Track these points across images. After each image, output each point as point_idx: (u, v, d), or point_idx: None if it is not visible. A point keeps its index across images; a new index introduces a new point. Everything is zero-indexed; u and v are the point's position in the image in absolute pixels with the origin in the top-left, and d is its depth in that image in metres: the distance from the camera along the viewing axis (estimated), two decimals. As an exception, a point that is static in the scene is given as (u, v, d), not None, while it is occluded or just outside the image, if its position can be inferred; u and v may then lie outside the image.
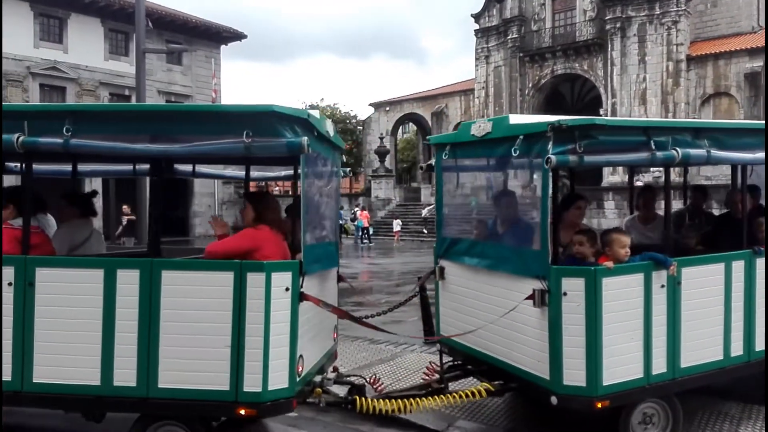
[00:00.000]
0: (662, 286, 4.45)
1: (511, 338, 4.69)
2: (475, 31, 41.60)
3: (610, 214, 30.03)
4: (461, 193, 5.73)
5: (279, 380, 3.99)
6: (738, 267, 4.94)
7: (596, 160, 4.28)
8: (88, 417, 4.47)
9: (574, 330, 4.18)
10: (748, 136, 4.98)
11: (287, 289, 4.03)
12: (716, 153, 4.62)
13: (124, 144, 4.04)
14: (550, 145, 4.07)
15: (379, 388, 5.05)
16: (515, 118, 4.63)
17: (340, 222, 36.20)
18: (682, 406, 4.70)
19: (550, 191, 4.21)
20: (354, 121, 48.96)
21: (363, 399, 4.57)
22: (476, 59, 41.63)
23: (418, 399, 4.68)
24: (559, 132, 4.04)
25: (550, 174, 4.18)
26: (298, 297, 4.10)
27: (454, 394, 4.80)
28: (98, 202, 28.41)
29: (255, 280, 3.95)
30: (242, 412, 3.93)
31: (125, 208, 14.59)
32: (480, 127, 4.98)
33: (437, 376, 5.33)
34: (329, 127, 4.89)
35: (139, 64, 12.24)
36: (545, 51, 38.58)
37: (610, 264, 4.29)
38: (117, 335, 4.04)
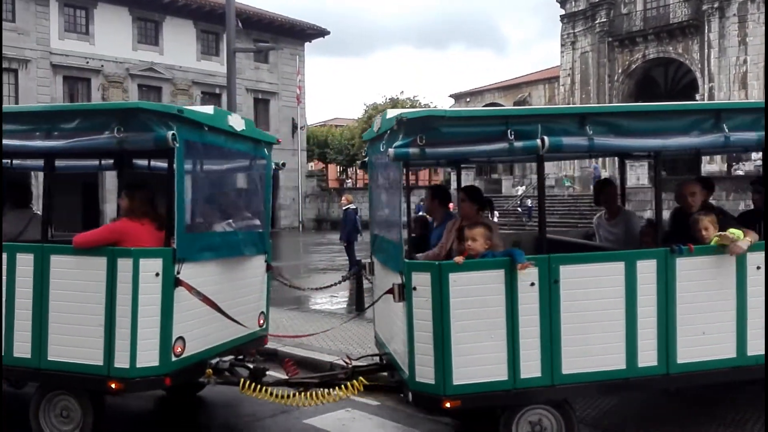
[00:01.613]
0: (532, 284, 4.11)
1: (394, 333, 4.73)
2: (560, 16, 40.17)
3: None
4: (375, 189, 5.78)
5: (148, 359, 4.33)
6: (645, 267, 4.34)
7: (441, 152, 4.16)
8: (10, 383, 5.03)
9: (423, 326, 4.06)
10: (669, 118, 4.45)
11: (157, 275, 4.35)
12: (605, 140, 4.22)
13: (23, 141, 4.55)
14: (399, 138, 4.05)
15: (293, 374, 5.25)
16: (392, 112, 4.60)
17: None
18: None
19: (402, 184, 4.18)
20: (435, 113, 48.67)
21: (248, 382, 4.79)
22: (561, 45, 40.20)
23: (301, 391, 4.77)
24: (404, 125, 4.01)
25: (402, 167, 4.16)
26: (173, 282, 4.41)
27: (337, 388, 4.70)
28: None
29: (124, 265, 4.32)
30: (113, 385, 4.31)
31: None
32: (377, 122, 5.02)
33: (350, 368, 5.42)
34: (234, 122, 5.13)
35: (229, 63, 12.70)
36: (636, 35, 36.65)
37: (459, 259, 4.13)
38: (17, 311, 4.56)
